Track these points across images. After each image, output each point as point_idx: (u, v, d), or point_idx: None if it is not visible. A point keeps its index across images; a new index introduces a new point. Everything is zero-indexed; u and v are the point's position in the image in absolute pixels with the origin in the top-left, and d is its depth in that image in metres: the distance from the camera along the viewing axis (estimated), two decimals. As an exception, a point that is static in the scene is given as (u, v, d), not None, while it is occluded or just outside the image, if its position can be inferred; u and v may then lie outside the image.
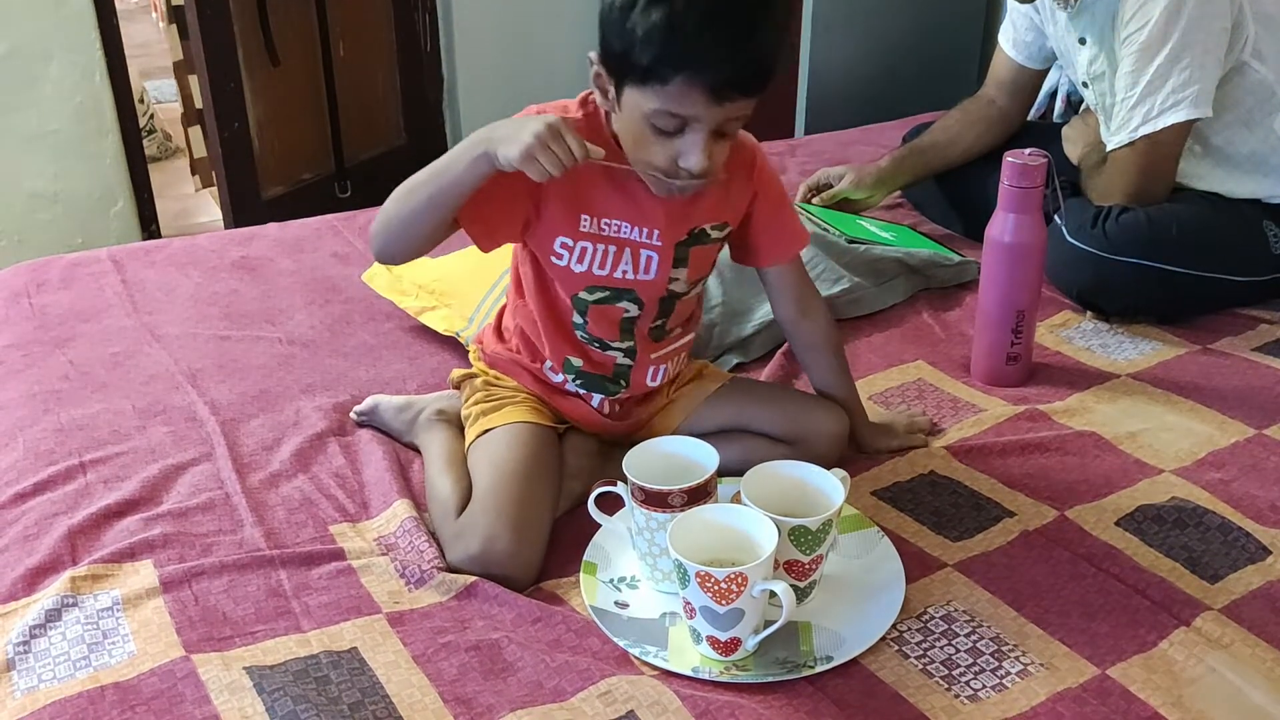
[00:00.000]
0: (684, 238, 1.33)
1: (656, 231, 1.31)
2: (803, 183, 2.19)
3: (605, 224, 1.30)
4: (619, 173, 1.27)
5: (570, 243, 1.31)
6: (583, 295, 1.34)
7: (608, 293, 1.33)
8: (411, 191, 1.25)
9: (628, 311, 1.35)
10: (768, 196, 1.38)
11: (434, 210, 1.25)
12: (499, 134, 1.18)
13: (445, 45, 3.90)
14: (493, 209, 1.28)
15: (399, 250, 1.30)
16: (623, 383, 1.40)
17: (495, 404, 1.40)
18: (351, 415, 1.55)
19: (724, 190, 1.33)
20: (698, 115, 1.17)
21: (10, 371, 1.67)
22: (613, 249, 1.31)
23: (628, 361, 1.39)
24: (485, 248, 1.33)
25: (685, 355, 1.46)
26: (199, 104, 3.41)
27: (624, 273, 1.32)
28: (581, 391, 1.41)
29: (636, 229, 1.31)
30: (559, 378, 1.40)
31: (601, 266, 1.32)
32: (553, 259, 1.32)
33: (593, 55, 1.22)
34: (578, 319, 1.36)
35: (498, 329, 1.47)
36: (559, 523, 1.34)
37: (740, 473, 1.23)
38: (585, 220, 1.30)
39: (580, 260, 1.31)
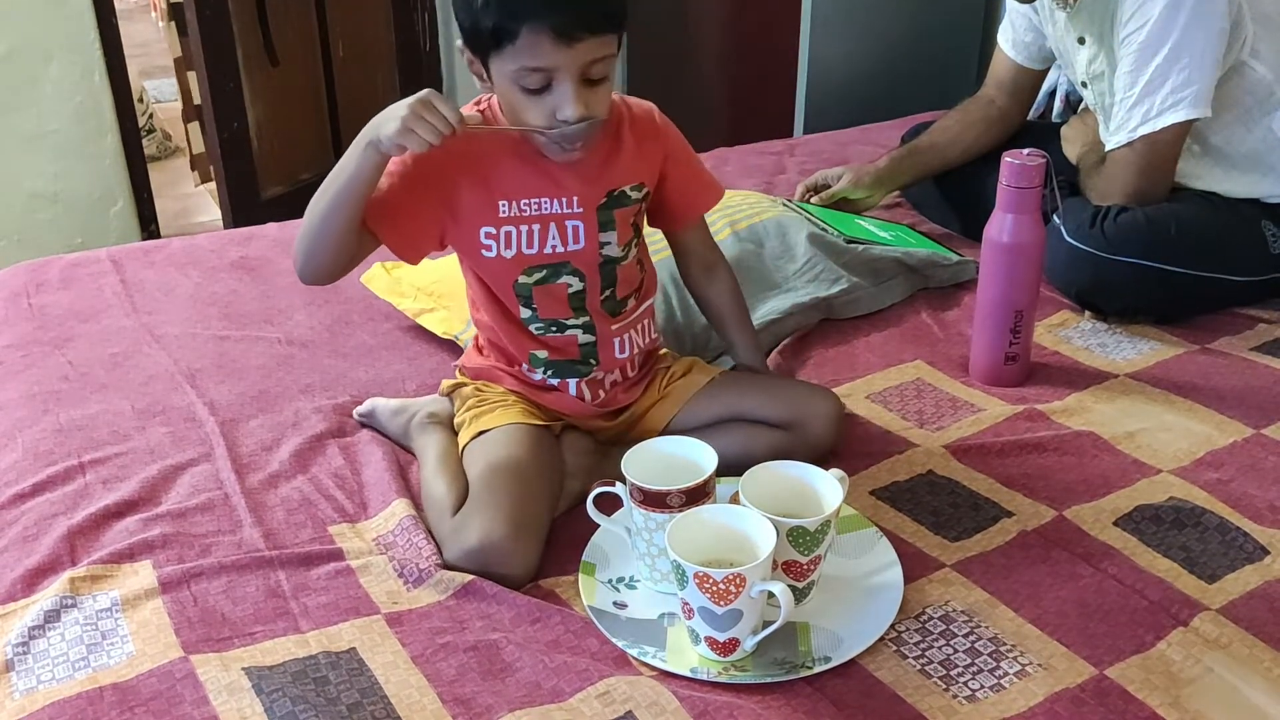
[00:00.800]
0: (603, 200, 1.36)
1: (575, 199, 1.34)
2: (800, 183, 2.19)
3: (525, 204, 1.33)
4: (523, 149, 1.30)
5: (494, 230, 1.33)
6: (522, 280, 1.35)
7: (545, 270, 1.35)
8: (316, 200, 1.28)
9: (571, 286, 1.37)
10: (677, 155, 1.42)
11: (337, 215, 1.26)
12: (378, 119, 1.22)
13: (444, 45, 3.90)
14: (404, 214, 1.31)
15: (315, 265, 1.31)
16: (592, 361, 1.41)
17: (488, 407, 1.40)
18: (354, 415, 1.55)
19: (635, 153, 1.37)
20: (555, 63, 1.20)
21: (9, 372, 1.67)
22: (537, 227, 1.34)
23: (590, 338, 1.40)
24: (409, 258, 1.36)
25: (650, 323, 1.47)
26: (198, 100, 3.42)
27: (554, 247, 1.35)
28: (556, 381, 1.41)
29: (556, 201, 1.33)
30: (537, 376, 1.41)
31: (530, 245, 1.34)
32: (482, 252, 1.34)
33: (459, 44, 1.26)
34: (525, 311, 1.38)
35: (477, 348, 1.48)
36: (557, 522, 1.34)
37: (740, 462, 1.23)
38: (504, 205, 1.33)
39: (508, 245, 1.34)
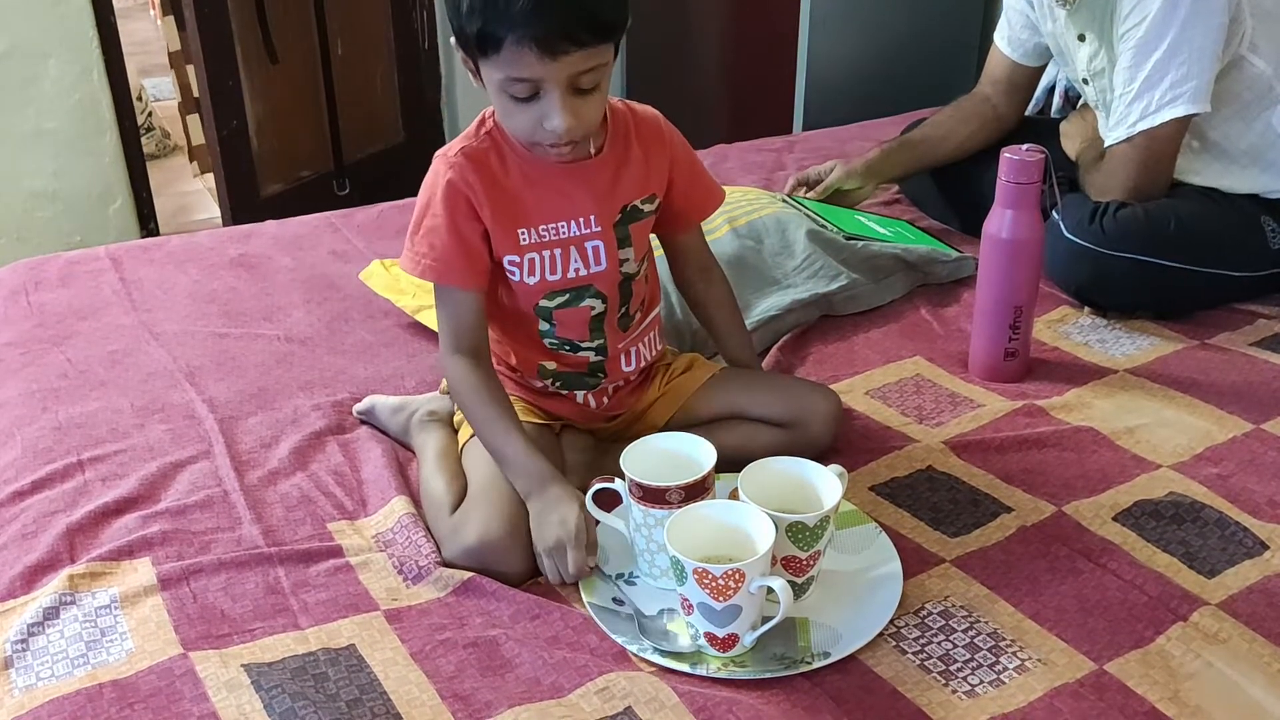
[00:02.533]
0: (619, 217, 1.34)
1: (593, 217, 1.33)
2: (790, 178, 2.18)
3: (544, 230, 1.32)
4: (535, 174, 1.30)
5: (517, 259, 1.32)
6: (544, 304, 1.35)
7: (568, 295, 1.34)
8: (479, 425, 1.31)
9: (594, 309, 1.36)
10: (682, 161, 1.41)
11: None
12: (541, 522, 1.24)
13: (443, 43, 3.90)
14: (462, 258, 1.30)
15: None
16: (600, 375, 1.41)
17: (488, 406, 1.40)
18: (354, 412, 1.55)
19: (644, 163, 1.36)
20: (540, 75, 1.18)
21: (9, 370, 1.67)
22: (559, 251, 1.32)
23: (600, 358, 1.39)
24: (483, 286, 1.34)
25: (657, 334, 1.47)
26: (197, 92, 3.42)
27: (576, 270, 1.33)
28: (563, 391, 1.41)
29: (573, 222, 1.32)
30: (540, 384, 1.41)
31: (553, 271, 1.33)
32: (508, 277, 1.34)
33: (453, 40, 1.24)
34: (545, 325, 1.37)
35: None
36: (557, 519, 1.34)
37: (739, 459, 1.23)
38: (524, 234, 1.31)
39: (531, 272, 1.32)
